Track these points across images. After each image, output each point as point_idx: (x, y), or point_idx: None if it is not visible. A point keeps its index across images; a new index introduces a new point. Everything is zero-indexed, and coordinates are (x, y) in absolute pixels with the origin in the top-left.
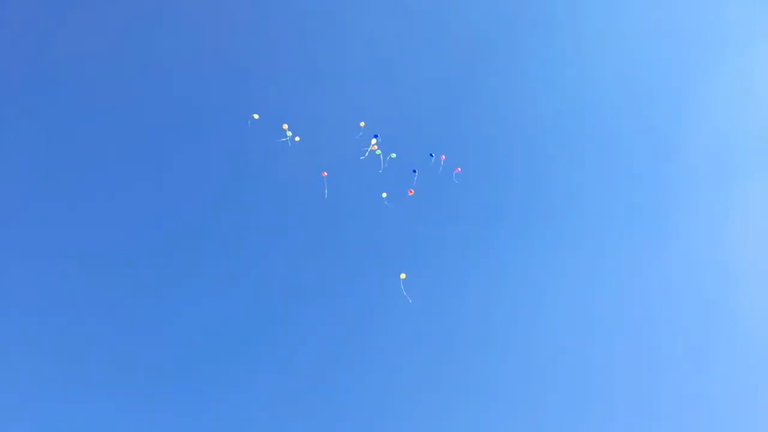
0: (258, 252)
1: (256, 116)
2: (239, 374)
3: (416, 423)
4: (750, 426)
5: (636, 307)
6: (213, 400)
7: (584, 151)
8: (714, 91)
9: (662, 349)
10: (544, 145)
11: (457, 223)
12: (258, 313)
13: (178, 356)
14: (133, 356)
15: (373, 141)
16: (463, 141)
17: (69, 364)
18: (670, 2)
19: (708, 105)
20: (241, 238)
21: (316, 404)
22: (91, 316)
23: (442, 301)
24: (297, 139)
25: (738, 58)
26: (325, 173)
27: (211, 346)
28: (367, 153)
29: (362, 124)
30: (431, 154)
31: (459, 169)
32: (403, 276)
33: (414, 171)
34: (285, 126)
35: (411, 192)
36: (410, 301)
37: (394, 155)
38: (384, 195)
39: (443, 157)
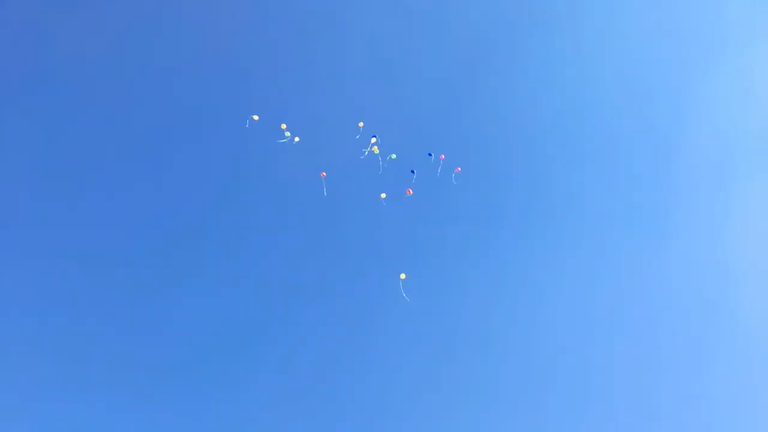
0: (258, 252)
1: (256, 117)
2: (239, 374)
3: (416, 423)
4: (750, 426)
5: (636, 307)
6: (213, 400)
7: (584, 151)
8: (714, 91)
9: (662, 349)
10: (544, 145)
11: (457, 223)
12: (258, 313)
13: (178, 356)
14: (133, 356)
15: (373, 140)
16: (463, 141)
17: (69, 364)
18: (670, 2)
19: (708, 105)
20: (241, 238)
21: (316, 404)
22: (91, 316)
23: (442, 301)
24: (297, 139)
25: (738, 58)
26: (325, 173)
27: (211, 346)
28: (366, 152)
29: (361, 124)
30: (430, 154)
31: (459, 168)
32: (403, 276)
33: (412, 171)
34: (283, 126)
35: (409, 192)
36: (408, 300)
37: (394, 156)
38: (383, 195)
39: (443, 156)
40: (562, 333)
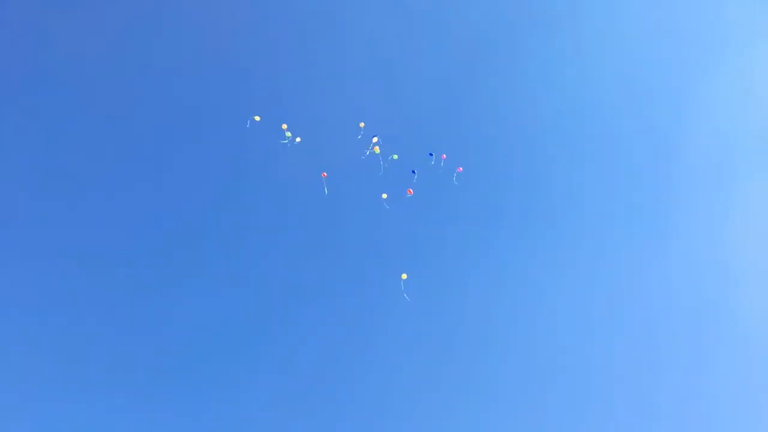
0: (258, 252)
1: (257, 118)
2: (239, 374)
3: (416, 423)
4: (750, 426)
5: (636, 306)
6: (213, 400)
7: (584, 151)
8: (714, 91)
9: (662, 349)
10: (544, 145)
11: (457, 223)
12: (258, 313)
13: (178, 356)
14: (133, 356)
15: (375, 139)
16: (463, 141)
17: (69, 364)
18: (670, 2)
19: (708, 105)
20: (241, 238)
21: (316, 404)
22: (91, 316)
23: (442, 301)
24: (298, 140)
25: (738, 58)
26: (325, 174)
27: (211, 346)
28: (367, 152)
29: (362, 124)
30: (431, 154)
31: (461, 168)
32: (404, 276)
33: (413, 172)
34: (284, 126)
35: (410, 192)
36: (408, 299)
37: (395, 156)
38: (384, 196)
39: (444, 156)
40: (562, 333)
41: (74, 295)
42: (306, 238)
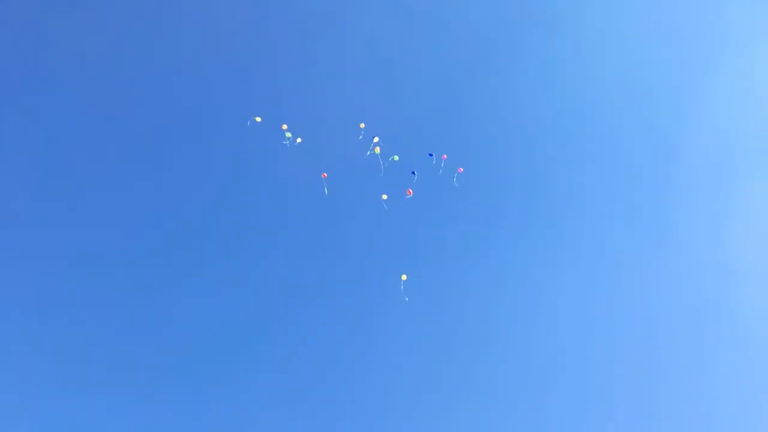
0: (258, 252)
1: (258, 119)
2: (239, 374)
3: (416, 423)
4: (750, 426)
5: (636, 306)
6: (213, 400)
7: (584, 151)
8: (714, 91)
9: (662, 349)
10: (544, 145)
11: (457, 223)
12: (258, 313)
13: (178, 356)
14: (133, 356)
15: (375, 139)
16: (463, 141)
17: (69, 364)
18: (670, 2)
19: (708, 105)
20: (241, 238)
21: (316, 404)
22: (91, 316)
23: (442, 301)
24: (299, 140)
25: (738, 58)
26: (325, 174)
27: (211, 346)
28: (368, 153)
29: (362, 125)
30: (431, 154)
31: (461, 169)
32: (404, 277)
33: (413, 173)
34: (284, 126)
35: (409, 192)
36: (407, 300)
37: (396, 157)
38: (384, 197)
39: (444, 156)
40: (562, 333)
41: (74, 295)
42: (306, 238)
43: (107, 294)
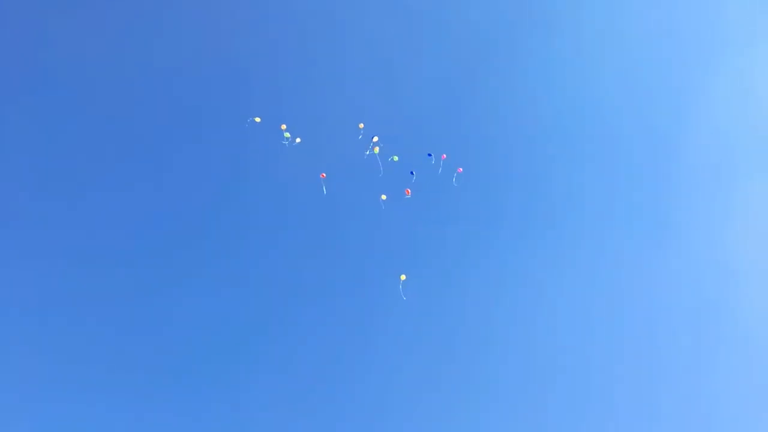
0: (258, 252)
1: (258, 119)
2: (239, 374)
3: (416, 423)
4: (750, 426)
5: (636, 306)
6: (213, 400)
7: (584, 151)
8: (714, 91)
9: (662, 349)
10: (544, 145)
11: (457, 223)
12: (258, 313)
13: (178, 356)
14: (133, 356)
15: (375, 139)
16: (463, 141)
17: (69, 364)
18: (670, 2)
19: (708, 105)
20: (241, 238)
21: (316, 404)
22: (91, 316)
23: (442, 301)
24: (298, 140)
25: (738, 58)
26: (324, 174)
27: (211, 346)
28: (368, 153)
29: (361, 125)
30: (430, 154)
31: (461, 169)
32: (403, 277)
33: (412, 173)
34: (283, 126)
35: (408, 192)
36: (404, 298)
37: (396, 158)
38: (383, 197)
39: (444, 156)
40: (562, 333)
41: (74, 295)
42: (306, 238)
43: (107, 294)
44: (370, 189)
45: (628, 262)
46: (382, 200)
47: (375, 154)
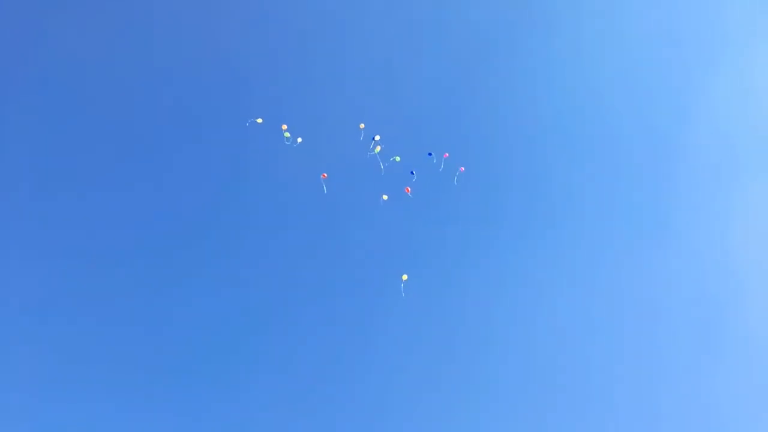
0: (258, 252)
1: (259, 120)
2: (239, 374)
3: (416, 423)
4: (751, 426)
5: (636, 306)
6: (213, 400)
7: (584, 151)
8: (714, 91)
9: (663, 349)
10: (544, 145)
11: (457, 223)
12: (258, 312)
13: (178, 356)
14: (133, 356)
15: (377, 137)
16: (463, 141)
17: (69, 364)
18: (670, 2)
19: (708, 105)
20: (240, 238)
21: (316, 404)
22: (91, 316)
23: (442, 301)
24: (299, 140)
25: (738, 58)
26: (325, 175)
27: (211, 346)
28: (369, 154)
29: (362, 125)
30: (430, 154)
31: (463, 168)
32: (405, 277)
33: (412, 173)
34: (284, 126)
35: (408, 190)
36: (404, 296)
37: (398, 158)
38: (384, 197)
39: (446, 155)
40: (562, 333)
41: (74, 295)
42: (306, 238)
43: (107, 293)
44: (370, 189)
45: (629, 262)
46: (383, 200)
47: (376, 154)
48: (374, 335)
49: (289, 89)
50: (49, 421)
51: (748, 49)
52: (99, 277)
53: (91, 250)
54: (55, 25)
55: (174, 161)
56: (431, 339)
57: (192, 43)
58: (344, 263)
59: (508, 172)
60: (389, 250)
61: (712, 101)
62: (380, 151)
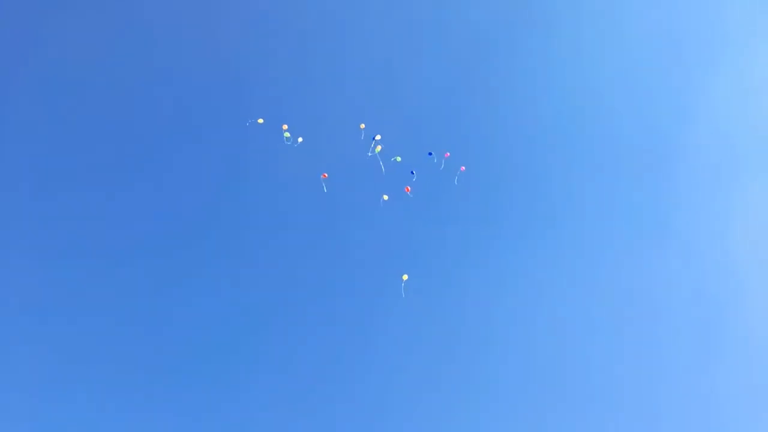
0: (258, 252)
1: (260, 120)
2: (239, 374)
3: (416, 423)
4: (751, 426)
5: (636, 306)
6: (213, 400)
7: (584, 151)
8: (714, 91)
9: (663, 349)
10: (544, 145)
11: (457, 223)
12: (258, 312)
13: (178, 356)
14: (133, 356)
15: (378, 137)
16: (463, 141)
17: (69, 364)
18: (670, 2)
19: (708, 105)
20: (240, 238)
21: (316, 404)
22: (92, 316)
23: (442, 301)
24: (300, 140)
25: (738, 58)
26: (326, 174)
27: (211, 346)
28: (370, 154)
29: (362, 126)
30: (430, 153)
31: (464, 167)
32: (405, 277)
33: (412, 172)
34: (285, 126)
35: (407, 189)
36: (404, 296)
37: (399, 158)
38: (385, 197)
39: (447, 154)
40: (562, 333)
41: (74, 295)
42: (306, 238)
43: (107, 293)
44: (370, 189)
45: (629, 262)
46: (383, 200)
47: (376, 153)
48: (374, 335)
49: (289, 89)
50: (49, 421)
51: (748, 49)
52: (99, 277)
53: (91, 250)
54: (56, 25)
55: (174, 161)
56: (431, 339)
57: (192, 44)
58: (344, 263)
59: (508, 172)
60: (389, 250)
61: (712, 101)
62: (380, 151)
